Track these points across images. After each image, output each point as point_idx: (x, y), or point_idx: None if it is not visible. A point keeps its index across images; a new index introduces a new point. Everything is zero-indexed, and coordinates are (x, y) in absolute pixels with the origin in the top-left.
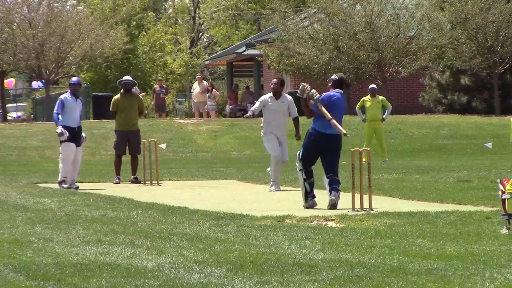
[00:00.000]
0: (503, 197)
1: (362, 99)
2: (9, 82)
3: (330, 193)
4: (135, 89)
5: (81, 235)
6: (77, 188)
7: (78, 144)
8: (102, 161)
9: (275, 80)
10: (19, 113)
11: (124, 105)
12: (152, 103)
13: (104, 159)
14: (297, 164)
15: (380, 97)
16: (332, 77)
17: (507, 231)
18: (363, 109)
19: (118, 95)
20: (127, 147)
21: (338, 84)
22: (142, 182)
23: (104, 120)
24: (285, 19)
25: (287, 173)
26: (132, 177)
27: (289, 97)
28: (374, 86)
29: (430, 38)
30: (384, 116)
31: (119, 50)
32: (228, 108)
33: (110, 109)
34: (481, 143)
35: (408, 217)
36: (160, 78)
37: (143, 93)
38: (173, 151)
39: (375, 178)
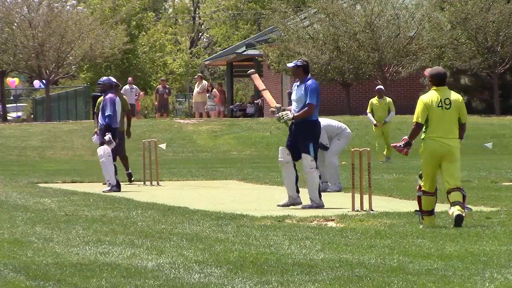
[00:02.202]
0: (418, 194)
1: (370, 101)
2: (12, 82)
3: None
4: (136, 89)
5: (81, 235)
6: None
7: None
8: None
9: None
10: (19, 113)
11: None
12: (155, 103)
13: None
14: (310, 162)
15: (388, 99)
16: (298, 63)
17: (421, 226)
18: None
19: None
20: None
21: (307, 68)
22: (142, 182)
23: None
24: (285, 19)
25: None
26: (126, 172)
27: None
28: (381, 87)
29: (430, 38)
30: (386, 120)
31: (119, 50)
32: (218, 108)
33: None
34: (481, 143)
35: (408, 217)
36: (163, 78)
37: (143, 94)
38: (173, 151)
39: (375, 178)
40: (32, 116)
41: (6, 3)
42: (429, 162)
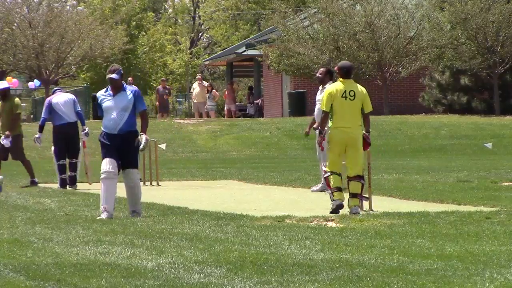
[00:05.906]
0: (325, 176)
1: None
2: (14, 82)
3: None
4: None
5: (81, 235)
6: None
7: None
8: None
9: (321, 69)
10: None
11: (2, 109)
12: (157, 103)
13: None
14: (137, 175)
15: None
16: (121, 72)
17: (331, 203)
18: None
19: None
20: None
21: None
22: (142, 182)
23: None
24: (285, 19)
25: (287, 174)
26: (30, 179)
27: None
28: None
29: (430, 38)
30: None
31: (119, 50)
32: (227, 106)
33: None
34: (481, 143)
35: (408, 217)
36: (163, 79)
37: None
38: (173, 151)
39: (375, 178)
40: (32, 116)
41: (6, 3)
42: (334, 150)
